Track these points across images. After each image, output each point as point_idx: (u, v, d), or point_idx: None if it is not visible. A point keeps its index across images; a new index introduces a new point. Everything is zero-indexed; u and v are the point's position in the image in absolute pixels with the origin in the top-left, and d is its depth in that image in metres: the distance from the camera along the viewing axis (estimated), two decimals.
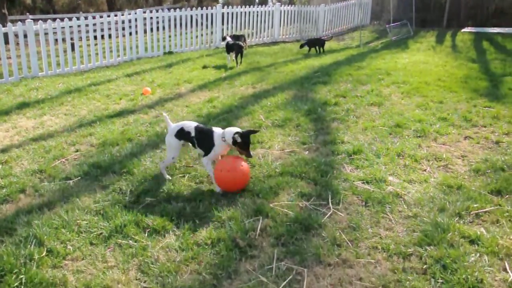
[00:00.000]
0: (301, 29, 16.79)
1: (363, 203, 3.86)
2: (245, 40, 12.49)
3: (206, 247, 3.29)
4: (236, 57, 10.51)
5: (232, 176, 4.01)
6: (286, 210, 3.74)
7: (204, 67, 10.44)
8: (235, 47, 10.48)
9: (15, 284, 2.95)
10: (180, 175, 4.48)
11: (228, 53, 10.78)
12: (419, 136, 5.43)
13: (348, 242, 3.31)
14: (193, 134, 4.19)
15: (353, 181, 4.26)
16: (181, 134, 4.24)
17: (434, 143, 5.24)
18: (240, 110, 6.62)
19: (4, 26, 10.12)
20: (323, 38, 13.51)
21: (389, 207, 3.78)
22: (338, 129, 5.73)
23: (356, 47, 14.37)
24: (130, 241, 3.39)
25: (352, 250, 3.21)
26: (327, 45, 13.54)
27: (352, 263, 3.09)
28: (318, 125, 5.89)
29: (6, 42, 10.15)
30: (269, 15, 15.55)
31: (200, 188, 4.21)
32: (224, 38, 11.49)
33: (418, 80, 8.17)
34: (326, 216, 3.66)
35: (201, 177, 4.41)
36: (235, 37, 11.99)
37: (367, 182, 4.23)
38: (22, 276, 3.00)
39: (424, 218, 3.57)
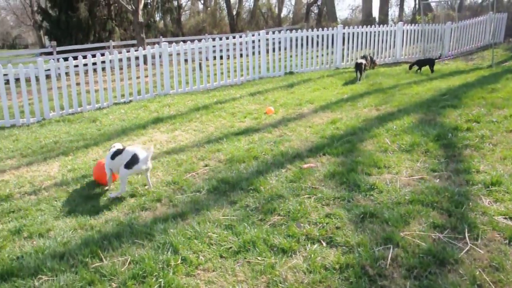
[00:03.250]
0: (424, 49, 16.05)
1: (507, 241, 3.51)
2: (367, 59, 12.47)
3: (334, 271, 3.25)
4: (356, 72, 11.48)
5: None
6: (418, 241, 3.55)
7: (325, 88, 10.46)
8: (356, 65, 11.46)
9: (155, 287, 3.19)
10: (307, 196, 4.51)
11: (356, 71, 11.57)
12: None
13: (491, 284, 3.03)
14: None
15: (493, 215, 3.91)
16: None
17: None
18: (364, 132, 6.49)
19: (143, 49, 11.21)
20: (432, 58, 13.12)
21: None
22: (472, 157, 5.32)
23: (488, 67, 13.30)
24: (258, 258, 3.48)
25: None
26: (453, 66, 12.78)
27: None
28: (449, 152, 5.53)
29: (144, 62, 11.21)
30: (391, 34, 15.14)
31: (327, 210, 4.19)
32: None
33: None
34: (463, 252, 3.39)
35: (327, 199, 4.39)
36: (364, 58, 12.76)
37: (511, 218, 3.85)
38: (160, 280, 3.24)
39: None
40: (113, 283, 3.30)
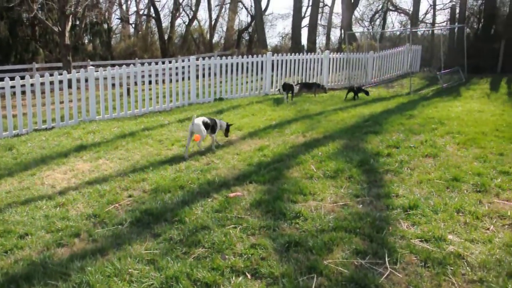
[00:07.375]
0: (349, 76, 16.82)
1: (422, 264, 3.66)
2: (311, 85, 13.82)
3: None
4: (286, 94, 12.67)
5: None
6: (341, 268, 3.60)
7: (254, 114, 10.56)
8: (286, 86, 12.67)
9: None
10: (232, 226, 4.44)
11: (284, 90, 12.74)
12: (479, 191, 5.17)
13: None
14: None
15: (410, 238, 4.07)
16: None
17: (497, 199, 4.96)
18: (291, 159, 6.57)
19: (69, 72, 10.77)
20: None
21: (451, 269, 3.55)
22: (392, 181, 5.56)
23: (406, 94, 14.19)
24: None
25: None
26: (376, 93, 13.62)
27: None
28: (371, 177, 5.74)
29: (69, 86, 10.75)
30: (318, 62, 15.72)
31: (252, 240, 4.14)
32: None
33: (474, 130, 7.87)
34: (384, 277, 3.48)
35: (253, 229, 4.35)
36: (307, 85, 13.94)
37: (426, 240, 4.02)
38: None
39: (492, 284, 3.32)
40: None
